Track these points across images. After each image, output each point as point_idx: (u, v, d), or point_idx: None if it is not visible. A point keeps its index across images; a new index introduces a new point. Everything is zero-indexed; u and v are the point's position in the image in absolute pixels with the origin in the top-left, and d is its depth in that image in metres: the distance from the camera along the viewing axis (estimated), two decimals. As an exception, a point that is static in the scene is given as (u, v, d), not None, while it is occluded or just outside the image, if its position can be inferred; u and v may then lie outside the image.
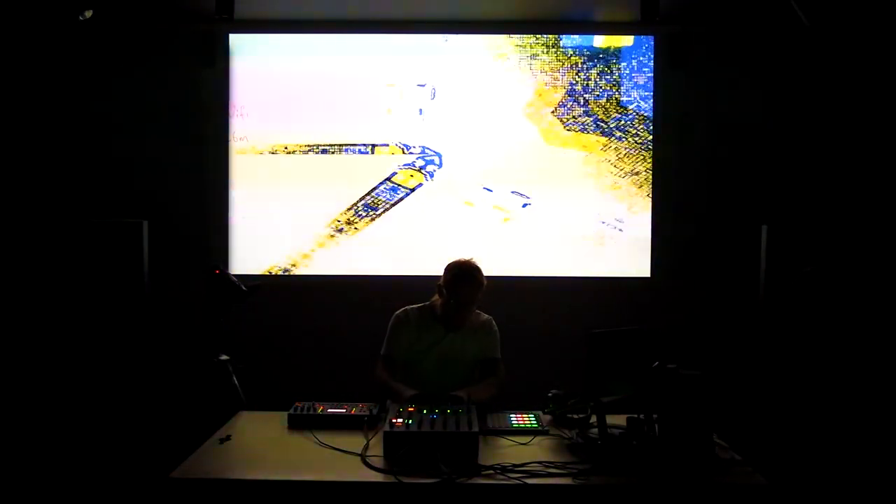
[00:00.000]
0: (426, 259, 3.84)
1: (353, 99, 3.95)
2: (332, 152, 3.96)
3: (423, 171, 3.96)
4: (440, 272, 2.91)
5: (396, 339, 2.94)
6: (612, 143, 3.95)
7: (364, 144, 3.96)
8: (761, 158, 3.93)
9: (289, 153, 3.96)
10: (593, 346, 2.35)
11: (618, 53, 3.93)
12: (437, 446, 2.18)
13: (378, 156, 3.96)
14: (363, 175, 3.97)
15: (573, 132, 3.94)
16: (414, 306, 3.01)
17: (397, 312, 3.00)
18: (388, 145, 3.96)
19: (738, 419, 3.02)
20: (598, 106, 3.94)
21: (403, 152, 3.96)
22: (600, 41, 3.93)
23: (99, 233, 3.68)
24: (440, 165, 3.96)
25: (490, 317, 3.01)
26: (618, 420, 2.40)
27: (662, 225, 3.95)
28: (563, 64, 3.93)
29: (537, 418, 2.62)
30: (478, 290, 2.87)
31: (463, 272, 2.89)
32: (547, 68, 3.93)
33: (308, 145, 3.97)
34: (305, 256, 3.99)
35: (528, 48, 3.93)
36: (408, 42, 3.95)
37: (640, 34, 3.91)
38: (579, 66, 3.93)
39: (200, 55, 3.92)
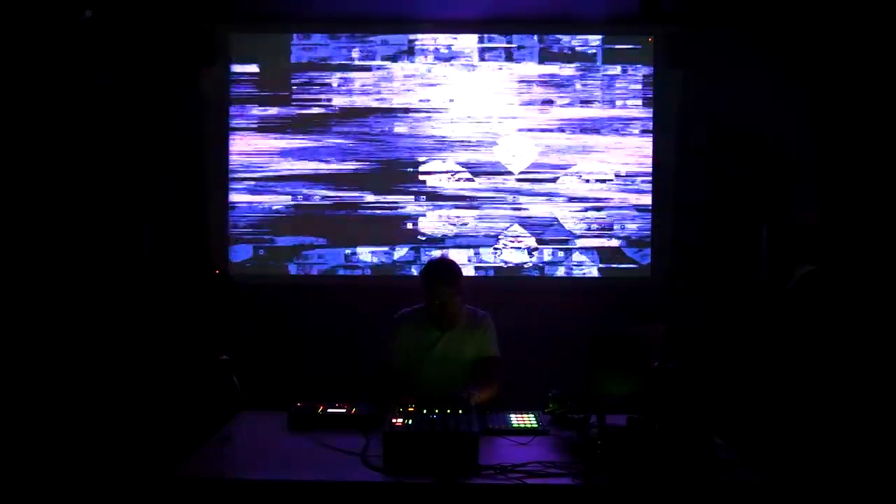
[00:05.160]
0: (427, 259, 3.85)
1: (353, 98, 3.95)
2: (333, 151, 3.97)
3: (423, 169, 3.96)
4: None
5: (395, 343, 2.93)
6: (611, 143, 3.95)
7: (365, 144, 3.96)
8: (761, 158, 3.93)
9: (288, 154, 3.97)
10: (593, 350, 2.35)
11: (616, 53, 3.93)
12: (437, 446, 2.18)
13: (378, 155, 3.96)
14: (363, 175, 3.97)
15: (573, 131, 3.94)
16: (409, 309, 3.00)
17: (395, 316, 2.99)
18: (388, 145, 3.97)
19: (738, 419, 3.03)
20: (597, 105, 3.94)
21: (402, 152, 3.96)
22: (599, 41, 3.93)
23: (99, 234, 3.68)
24: (439, 165, 3.96)
25: (486, 312, 2.99)
26: (618, 420, 2.41)
27: (662, 225, 3.95)
28: (562, 63, 3.93)
29: (537, 418, 2.62)
30: (453, 287, 2.83)
31: (433, 272, 2.86)
32: (546, 68, 3.93)
33: (308, 146, 3.97)
34: (306, 256, 3.99)
35: (526, 47, 3.93)
36: (406, 42, 3.95)
37: (640, 33, 3.91)
38: (578, 65, 3.93)
39: (200, 55, 3.92)
